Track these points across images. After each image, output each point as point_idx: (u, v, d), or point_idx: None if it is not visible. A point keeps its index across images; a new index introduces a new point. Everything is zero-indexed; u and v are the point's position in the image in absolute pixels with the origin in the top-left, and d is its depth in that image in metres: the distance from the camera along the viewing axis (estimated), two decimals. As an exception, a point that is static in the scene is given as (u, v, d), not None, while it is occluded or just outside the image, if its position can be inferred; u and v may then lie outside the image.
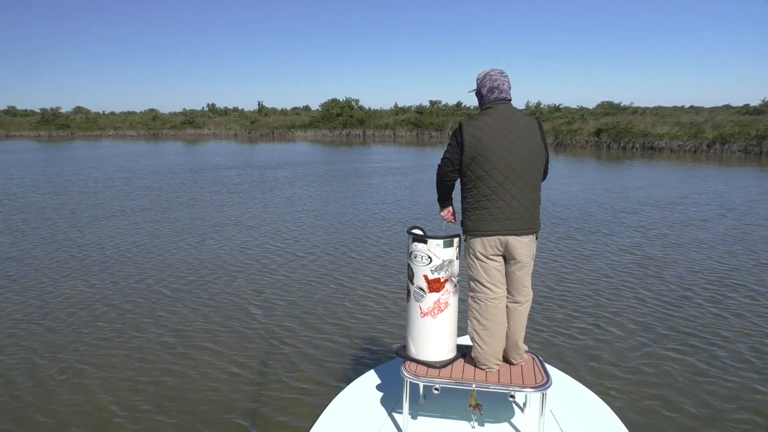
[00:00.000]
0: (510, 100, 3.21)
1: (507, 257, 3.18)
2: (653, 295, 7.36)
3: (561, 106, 52.10)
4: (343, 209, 14.07)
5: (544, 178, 3.25)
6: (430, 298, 3.12)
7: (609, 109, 50.82)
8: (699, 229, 11.36)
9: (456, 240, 3.13)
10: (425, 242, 3.08)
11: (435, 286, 3.11)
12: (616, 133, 38.48)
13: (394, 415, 3.23)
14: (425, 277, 3.10)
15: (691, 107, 53.60)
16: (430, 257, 3.08)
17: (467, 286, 3.26)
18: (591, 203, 14.71)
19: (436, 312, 3.14)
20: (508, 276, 3.22)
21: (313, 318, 6.62)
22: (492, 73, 3.20)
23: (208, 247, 10.06)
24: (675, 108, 53.03)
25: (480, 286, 3.19)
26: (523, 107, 51.43)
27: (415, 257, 3.12)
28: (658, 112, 47.09)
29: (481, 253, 3.14)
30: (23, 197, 16.04)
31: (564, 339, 6.03)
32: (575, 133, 41.68)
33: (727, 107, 50.29)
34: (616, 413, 3.29)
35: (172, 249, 9.88)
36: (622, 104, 52.81)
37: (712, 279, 7.97)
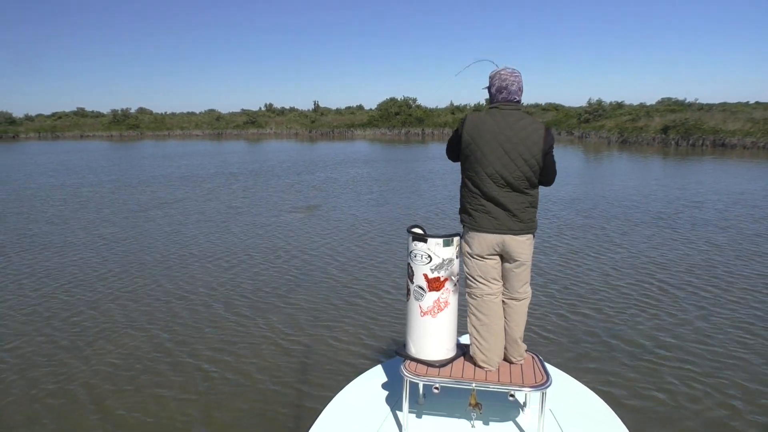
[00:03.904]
0: (518, 101, 3.16)
1: (504, 256, 3.16)
2: (660, 298, 7.12)
3: (624, 103, 50.30)
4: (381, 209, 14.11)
5: (548, 183, 3.21)
6: (430, 297, 3.10)
7: (674, 105, 48.69)
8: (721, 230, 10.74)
9: (456, 239, 3.10)
10: (425, 241, 3.06)
11: (435, 285, 3.08)
12: (685, 130, 36.90)
13: (394, 414, 3.23)
14: (425, 276, 3.08)
15: (757, 103, 50.49)
16: (429, 256, 3.06)
17: (465, 283, 3.24)
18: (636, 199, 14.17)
19: (435, 311, 3.11)
20: (505, 274, 3.21)
21: (313, 317, 6.65)
22: (503, 73, 3.16)
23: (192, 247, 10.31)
24: (740, 104, 50.11)
25: (475, 282, 3.19)
26: (584, 104, 50.03)
27: (415, 256, 3.10)
28: (725, 108, 44.74)
29: (477, 251, 3.13)
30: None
31: (564, 338, 5.97)
32: (641, 130, 40.24)
33: (798, 102, 47.11)
34: (616, 413, 3.22)
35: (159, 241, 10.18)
36: (686, 101, 50.47)
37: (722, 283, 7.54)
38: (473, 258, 3.16)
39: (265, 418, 4.54)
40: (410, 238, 3.12)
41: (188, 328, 6.38)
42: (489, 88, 3.20)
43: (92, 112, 76.93)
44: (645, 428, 4.21)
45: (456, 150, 3.21)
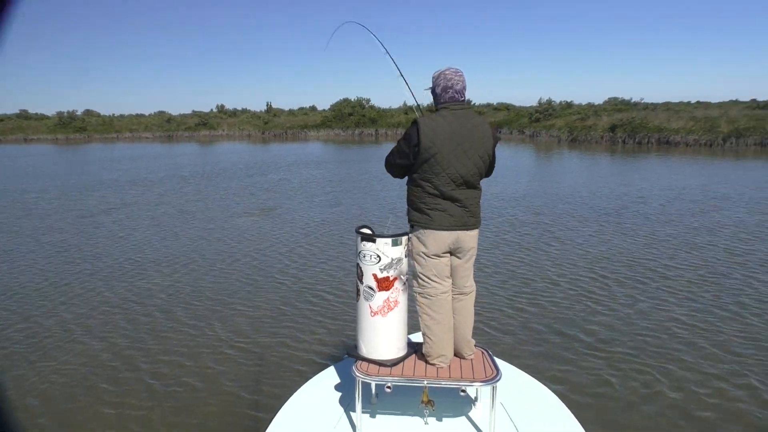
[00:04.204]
0: (464, 101, 3.18)
1: (454, 252, 3.19)
2: (604, 291, 7.34)
3: (573, 103, 51.62)
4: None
5: (490, 175, 3.34)
6: (380, 296, 3.09)
7: (620, 105, 50.26)
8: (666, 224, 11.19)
9: (404, 238, 3.10)
10: (373, 241, 3.05)
11: (384, 284, 3.08)
12: (632, 129, 38.11)
13: (348, 415, 3.21)
14: (374, 276, 3.07)
15: (698, 102, 52.71)
16: (378, 256, 3.05)
17: (414, 282, 3.24)
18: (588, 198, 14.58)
19: (386, 311, 3.11)
20: (454, 270, 3.24)
21: (263, 321, 6.57)
22: (447, 72, 3.17)
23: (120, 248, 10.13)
24: (683, 103, 52.22)
25: (430, 281, 3.19)
26: (535, 104, 51.10)
27: (364, 256, 3.09)
28: (669, 107, 46.54)
29: (434, 250, 3.13)
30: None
31: (513, 332, 6.08)
32: (590, 129, 41.34)
33: (735, 102, 49.33)
34: (565, 403, 3.30)
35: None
36: (632, 100, 52.23)
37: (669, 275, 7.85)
38: (429, 257, 3.14)
39: (217, 427, 4.43)
40: (359, 239, 3.11)
41: (130, 339, 6.17)
42: (433, 88, 3.19)
43: (36, 114, 74.02)
44: (593, 418, 4.30)
45: (411, 156, 3.09)
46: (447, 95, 3.13)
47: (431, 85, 3.24)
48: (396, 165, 3.19)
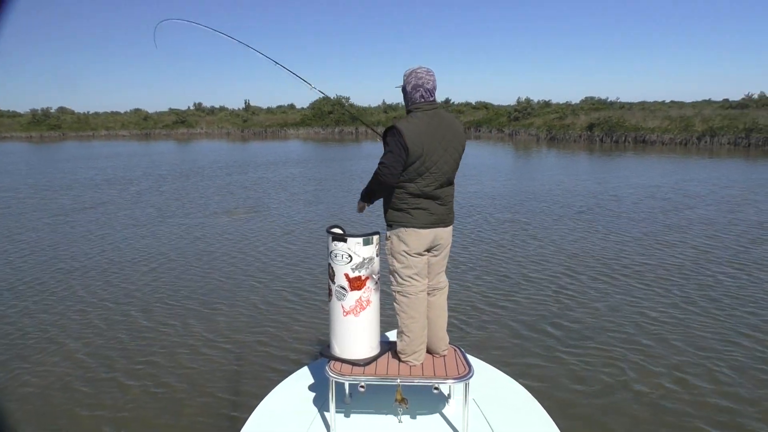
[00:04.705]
0: (433, 100, 3.22)
1: (431, 249, 3.25)
2: (577, 288, 7.46)
3: (551, 102, 52.10)
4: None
5: None
6: (352, 296, 3.11)
7: (597, 104, 50.88)
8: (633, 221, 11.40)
9: (375, 237, 3.13)
10: (345, 241, 3.07)
11: (356, 284, 3.10)
12: (609, 128, 38.59)
13: (322, 415, 3.23)
14: (346, 275, 3.09)
15: (673, 102, 53.73)
16: (350, 256, 3.07)
17: (391, 281, 3.26)
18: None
19: (358, 310, 3.13)
20: (430, 266, 3.29)
21: (238, 321, 6.56)
22: (419, 71, 3.20)
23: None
24: (657, 103, 53.17)
25: (410, 280, 3.21)
26: (514, 103, 51.46)
27: (336, 256, 3.11)
28: (644, 107, 47.30)
29: (416, 248, 3.17)
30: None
31: (485, 329, 6.16)
32: (568, 128, 41.75)
33: (708, 102, 50.33)
34: (536, 398, 3.36)
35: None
36: (608, 99, 52.94)
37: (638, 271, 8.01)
38: (411, 256, 3.17)
39: (192, 427, 4.43)
40: (330, 239, 3.13)
41: (105, 338, 6.13)
42: (404, 86, 3.22)
43: (8, 111, 72.52)
44: (565, 412, 4.38)
45: (402, 165, 3.05)
46: (417, 93, 3.16)
47: (402, 83, 3.26)
48: (391, 177, 3.09)
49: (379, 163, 3.10)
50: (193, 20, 3.55)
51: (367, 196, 3.34)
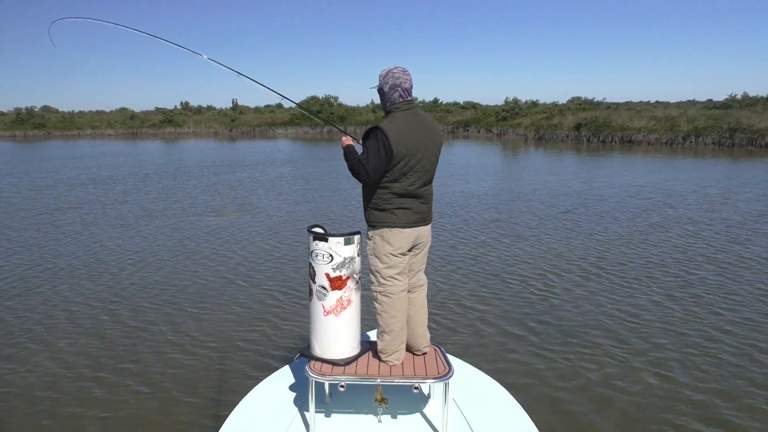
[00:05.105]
0: (411, 100, 3.23)
1: (413, 247, 3.29)
2: (557, 287, 7.51)
3: (538, 102, 52.35)
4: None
5: None
6: (333, 296, 3.12)
7: (584, 104, 51.22)
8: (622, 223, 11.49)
9: (356, 237, 3.14)
10: (326, 240, 3.07)
11: (337, 284, 3.11)
12: (596, 128, 38.82)
13: (302, 415, 3.23)
14: (327, 275, 3.10)
15: (658, 102, 54.37)
16: (331, 255, 3.08)
17: (372, 281, 3.26)
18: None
19: (339, 310, 3.14)
20: (411, 264, 3.32)
21: (221, 319, 6.53)
22: (395, 71, 3.21)
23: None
24: (643, 103, 53.78)
25: (393, 280, 3.22)
26: (501, 103, 51.64)
27: (317, 256, 3.11)
28: (630, 107, 47.72)
29: (401, 248, 3.18)
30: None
31: (465, 328, 6.18)
32: (555, 128, 41.95)
33: (693, 102, 50.92)
34: (516, 398, 3.38)
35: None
36: (595, 99, 53.37)
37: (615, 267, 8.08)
38: (395, 256, 3.18)
39: (175, 427, 4.40)
40: (311, 238, 3.13)
41: (90, 337, 6.08)
42: (381, 87, 3.22)
43: (-9, 110, 71.61)
44: (543, 411, 4.41)
45: (384, 165, 3.05)
46: (395, 94, 3.17)
47: (378, 84, 3.26)
48: (372, 169, 3.06)
49: (360, 164, 3.09)
50: (90, 17, 3.65)
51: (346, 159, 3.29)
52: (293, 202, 14.77)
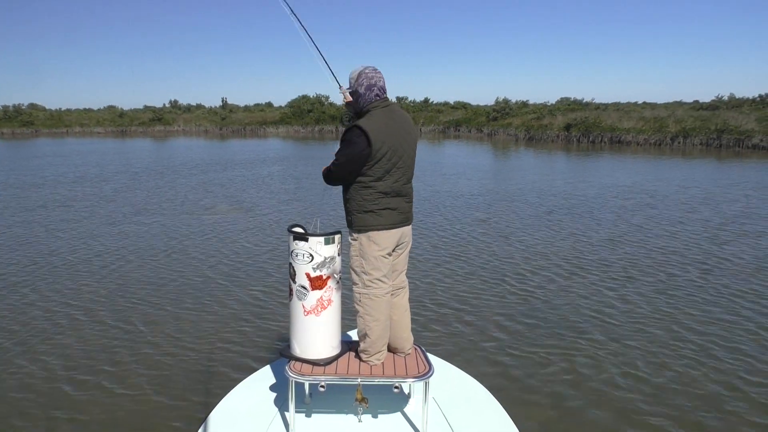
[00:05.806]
0: (386, 97, 3.24)
1: (396, 248, 3.29)
2: (536, 286, 7.52)
3: (528, 102, 52.54)
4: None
5: None
6: (313, 296, 3.11)
7: (573, 105, 51.47)
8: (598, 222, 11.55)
9: (337, 237, 3.13)
10: (306, 240, 3.06)
11: (317, 283, 3.10)
12: (585, 128, 39.03)
13: (282, 415, 3.22)
14: (307, 275, 3.09)
15: (645, 103, 54.76)
16: (311, 255, 3.07)
17: (355, 282, 3.25)
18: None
19: (319, 310, 3.13)
20: (393, 265, 3.32)
21: (201, 318, 6.47)
22: (367, 72, 3.20)
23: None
24: (631, 104, 54.15)
25: (377, 281, 3.21)
26: (492, 103, 51.79)
27: (297, 255, 3.10)
28: (619, 107, 48.05)
29: (386, 249, 3.18)
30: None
31: (445, 327, 6.17)
32: (546, 128, 42.13)
33: (680, 103, 51.36)
34: (495, 397, 3.39)
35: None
36: (584, 100, 53.65)
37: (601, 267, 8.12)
38: (383, 257, 3.17)
39: (147, 428, 4.34)
40: (291, 238, 3.11)
41: (65, 336, 6.01)
42: (356, 89, 3.20)
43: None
44: (522, 409, 4.41)
45: (358, 167, 3.08)
46: (372, 93, 3.17)
47: (351, 86, 3.24)
48: (344, 175, 3.13)
49: (333, 162, 3.14)
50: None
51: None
52: (282, 201, 14.73)
